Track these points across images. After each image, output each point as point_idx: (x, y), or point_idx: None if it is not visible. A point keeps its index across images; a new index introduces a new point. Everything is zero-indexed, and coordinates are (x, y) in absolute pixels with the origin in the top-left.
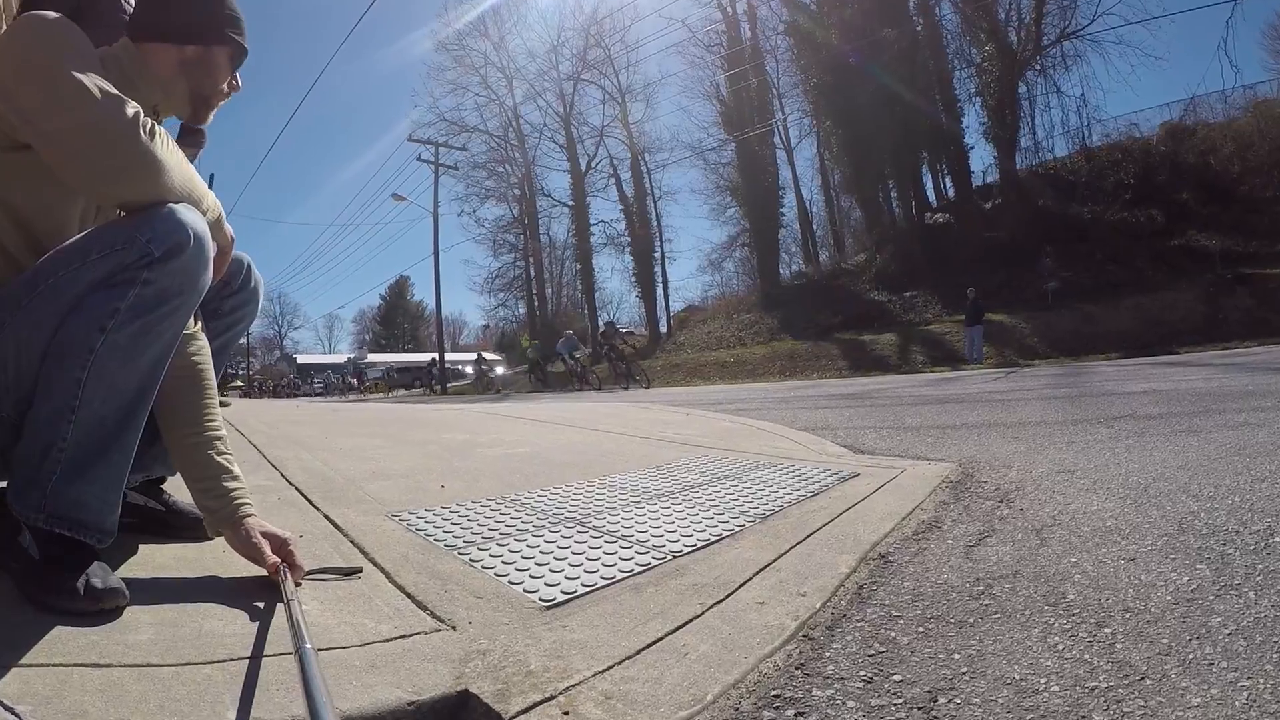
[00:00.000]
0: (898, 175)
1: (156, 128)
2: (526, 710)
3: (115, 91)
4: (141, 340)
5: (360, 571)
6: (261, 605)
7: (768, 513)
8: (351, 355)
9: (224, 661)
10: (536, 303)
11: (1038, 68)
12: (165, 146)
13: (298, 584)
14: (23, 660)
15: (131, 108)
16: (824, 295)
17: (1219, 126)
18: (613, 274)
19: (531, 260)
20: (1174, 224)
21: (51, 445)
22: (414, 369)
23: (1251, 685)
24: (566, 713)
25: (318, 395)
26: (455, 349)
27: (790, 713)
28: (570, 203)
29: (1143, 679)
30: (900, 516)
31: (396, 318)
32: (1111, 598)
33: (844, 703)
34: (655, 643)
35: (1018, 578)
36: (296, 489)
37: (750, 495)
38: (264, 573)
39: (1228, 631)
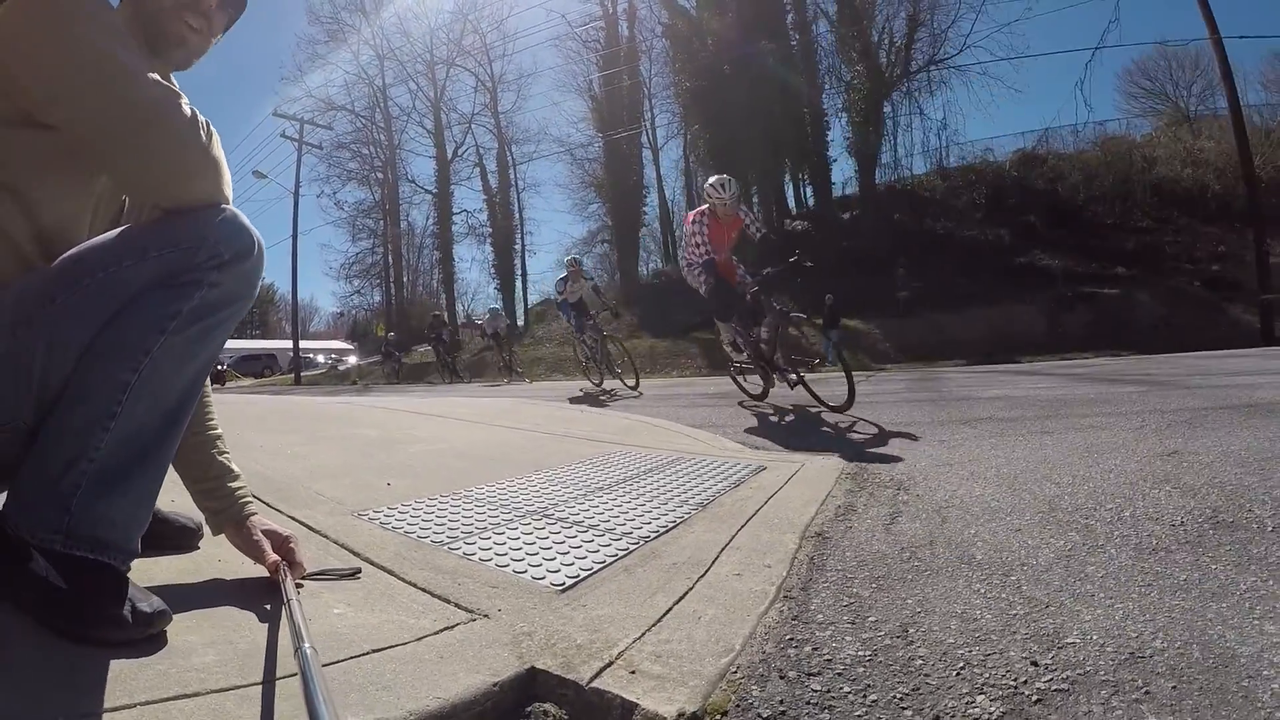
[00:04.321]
0: (761, 182)
1: (210, 124)
2: (598, 674)
3: (167, 84)
4: (197, 345)
5: (360, 572)
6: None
7: (704, 501)
8: None
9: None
10: (393, 290)
11: (904, 90)
12: (218, 145)
13: (298, 584)
14: (109, 704)
15: (186, 104)
16: (682, 294)
17: (1069, 157)
18: (472, 264)
19: (390, 247)
20: (1021, 243)
21: (79, 457)
22: (260, 356)
23: (1124, 606)
24: (633, 671)
25: None
26: (306, 336)
27: (808, 649)
28: (434, 189)
29: (1047, 606)
30: (818, 502)
31: None
32: (1010, 556)
33: (842, 638)
34: (669, 612)
35: (934, 545)
36: None
37: (682, 486)
38: (267, 575)
39: (1100, 575)
